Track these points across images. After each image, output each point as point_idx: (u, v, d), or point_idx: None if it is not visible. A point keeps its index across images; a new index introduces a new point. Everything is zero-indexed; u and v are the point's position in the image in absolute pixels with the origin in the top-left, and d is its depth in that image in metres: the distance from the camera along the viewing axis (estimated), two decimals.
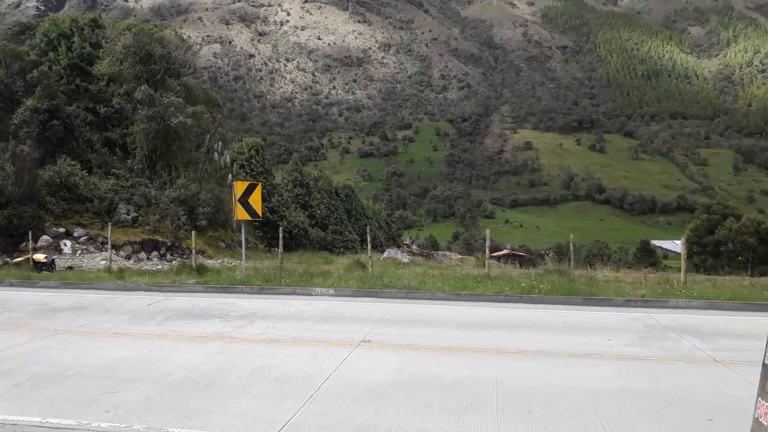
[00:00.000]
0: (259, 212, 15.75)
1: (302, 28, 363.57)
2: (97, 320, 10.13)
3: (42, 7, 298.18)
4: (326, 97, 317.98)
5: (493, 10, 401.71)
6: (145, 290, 14.37)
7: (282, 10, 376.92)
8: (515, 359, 7.27)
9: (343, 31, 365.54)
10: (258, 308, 11.26)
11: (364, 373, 6.55)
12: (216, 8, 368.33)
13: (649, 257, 61.97)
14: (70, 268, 19.52)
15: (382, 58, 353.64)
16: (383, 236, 64.56)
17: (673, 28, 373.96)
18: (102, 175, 28.12)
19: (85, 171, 26.87)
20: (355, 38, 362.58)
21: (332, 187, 59.82)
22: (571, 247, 17.72)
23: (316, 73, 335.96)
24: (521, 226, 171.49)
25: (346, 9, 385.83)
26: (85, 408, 5.43)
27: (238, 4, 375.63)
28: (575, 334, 8.87)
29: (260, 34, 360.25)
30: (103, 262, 20.50)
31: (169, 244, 25.56)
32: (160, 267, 20.44)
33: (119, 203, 26.49)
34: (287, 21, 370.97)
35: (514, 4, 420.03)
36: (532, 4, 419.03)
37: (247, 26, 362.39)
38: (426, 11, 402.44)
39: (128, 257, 23.56)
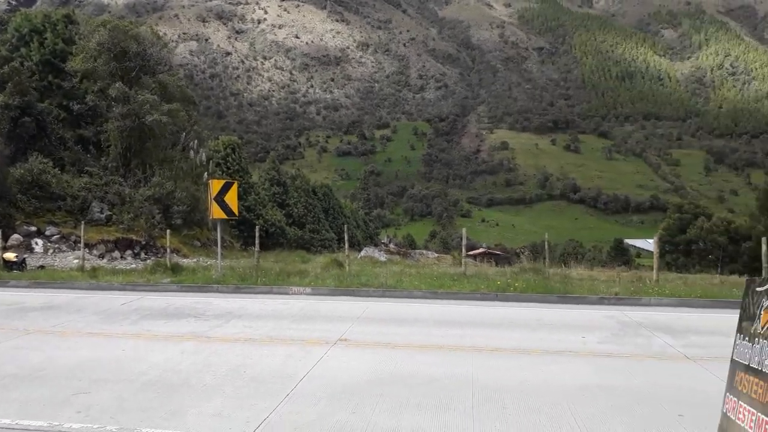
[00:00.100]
0: (236, 211, 15.63)
1: (280, 27, 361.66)
2: (70, 320, 9.96)
3: (14, 2, 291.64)
4: (304, 96, 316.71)
5: (470, 11, 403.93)
6: (119, 289, 14.14)
7: (259, 8, 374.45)
8: (491, 357, 7.32)
9: (321, 30, 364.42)
10: (234, 307, 11.16)
11: (340, 372, 6.54)
12: (192, 5, 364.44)
13: (622, 256, 62.76)
14: (42, 267, 19.17)
15: (360, 57, 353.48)
16: (361, 235, 64.65)
17: (647, 30, 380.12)
18: (75, 173, 27.72)
19: (57, 169, 26.48)
20: (333, 37, 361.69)
21: (310, 186, 59.76)
22: (546, 246, 17.95)
23: (293, 72, 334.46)
24: (497, 225, 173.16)
25: (324, 8, 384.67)
26: (57, 409, 5.34)
27: (215, 2, 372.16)
28: (550, 332, 8.96)
29: (237, 32, 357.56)
30: (76, 261, 20.17)
31: (144, 242, 25.28)
32: (134, 266, 20.17)
33: (92, 201, 26.11)
34: (264, 19, 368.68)
35: (491, 6, 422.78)
36: (509, 5, 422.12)
37: (224, 24, 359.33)
38: (404, 11, 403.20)
39: (102, 256, 23.23)
